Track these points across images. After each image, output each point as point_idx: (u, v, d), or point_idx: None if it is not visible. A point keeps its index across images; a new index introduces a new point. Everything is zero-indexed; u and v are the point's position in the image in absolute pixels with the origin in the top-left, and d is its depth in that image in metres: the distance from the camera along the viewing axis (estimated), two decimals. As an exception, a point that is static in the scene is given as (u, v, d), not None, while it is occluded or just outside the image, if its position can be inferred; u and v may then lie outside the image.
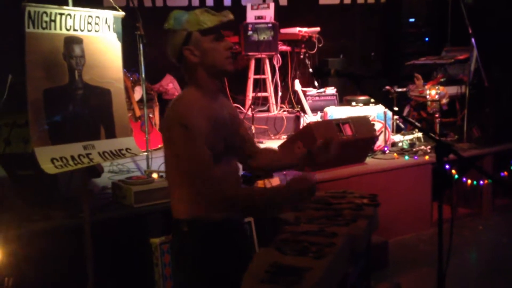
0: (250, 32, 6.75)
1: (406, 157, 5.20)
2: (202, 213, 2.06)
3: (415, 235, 5.03)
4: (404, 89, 6.12)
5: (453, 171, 5.23)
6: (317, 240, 2.16)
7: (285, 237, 2.20)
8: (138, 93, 6.09)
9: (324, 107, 5.98)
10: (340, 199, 2.76)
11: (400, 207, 4.89)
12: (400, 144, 5.61)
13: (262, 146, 6.04)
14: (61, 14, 3.02)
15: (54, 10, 2.98)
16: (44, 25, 2.94)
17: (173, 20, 2.09)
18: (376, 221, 2.66)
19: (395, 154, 5.28)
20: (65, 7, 3.08)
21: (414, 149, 5.43)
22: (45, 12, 2.94)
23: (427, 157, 5.22)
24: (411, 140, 5.64)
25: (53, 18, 2.98)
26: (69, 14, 3.06)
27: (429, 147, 5.44)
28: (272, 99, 6.95)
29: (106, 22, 3.27)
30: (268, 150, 2.56)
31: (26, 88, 2.91)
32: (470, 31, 5.42)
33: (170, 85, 7.16)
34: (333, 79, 6.87)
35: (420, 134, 5.72)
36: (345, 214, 2.52)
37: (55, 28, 3.01)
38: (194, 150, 1.99)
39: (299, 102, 6.95)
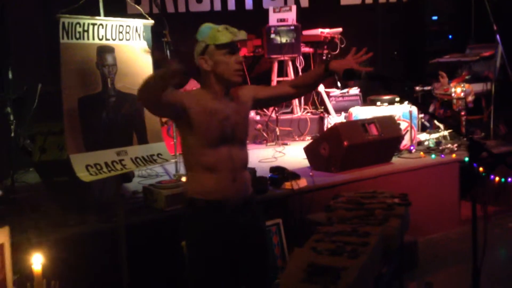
0: (272, 35, 6.79)
1: (433, 156, 5.18)
2: (199, 191, 2.44)
3: (444, 234, 5.00)
4: (429, 88, 6.10)
5: (481, 169, 5.19)
6: (351, 240, 2.20)
7: (319, 237, 2.24)
8: (164, 98, 6.18)
9: (348, 107, 5.99)
10: (371, 199, 2.79)
11: (428, 206, 4.87)
12: (426, 143, 5.60)
13: (286, 147, 6.14)
14: (94, 24, 3.11)
15: (87, 20, 3.07)
16: (77, 35, 3.03)
17: (199, 33, 2.46)
18: (407, 220, 2.69)
19: (421, 153, 5.27)
20: (97, 17, 3.17)
21: (441, 148, 5.41)
22: (78, 23, 3.03)
23: (454, 155, 5.19)
24: (437, 138, 5.63)
25: (86, 28, 3.07)
26: (101, 24, 3.15)
27: (455, 145, 5.42)
28: (295, 101, 6.98)
29: (136, 31, 3.35)
30: (297, 81, 2.85)
31: (61, 97, 3.00)
32: (495, 28, 5.38)
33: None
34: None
35: (446, 133, 5.70)
36: (376, 214, 2.55)
37: (88, 38, 3.10)
38: None
39: (322, 103, 6.98)
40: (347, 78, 2.36)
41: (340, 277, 1.84)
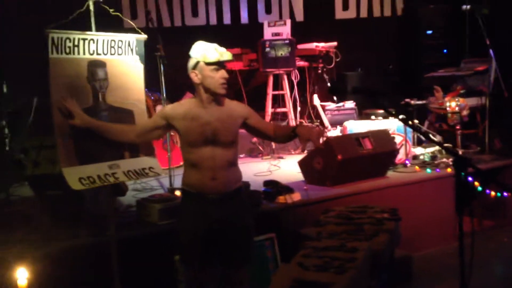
0: (267, 49, 6.82)
1: (428, 170, 5.18)
2: (186, 184, 2.98)
3: (440, 249, 4.98)
4: (424, 102, 6.12)
5: (476, 183, 5.19)
6: (338, 255, 2.19)
7: (306, 252, 2.23)
8: (159, 112, 6.19)
9: (344, 121, 6.00)
10: (361, 214, 2.79)
11: (423, 220, 4.85)
12: (421, 157, 5.60)
13: (282, 161, 6.13)
14: (84, 39, 3.10)
15: (77, 35, 3.06)
16: (67, 50, 3.02)
17: (192, 50, 2.91)
18: (397, 235, 2.68)
19: (416, 167, 5.26)
20: (87, 32, 3.17)
21: (436, 162, 5.41)
22: (68, 38, 3.02)
23: (449, 170, 5.18)
24: (433, 152, 5.62)
25: (76, 43, 3.06)
26: (92, 39, 3.14)
27: (451, 159, 5.41)
28: (291, 115, 7.00)
29: (129, 45, 3.34)
30: (276, 129, 3.18)
31: (52, 111, 2.99)
32: (488, 42, 5.41)
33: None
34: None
35: (441, 147, 5.70)
36: (365, 229, 2.54)
37: (78, 53, 3.09)
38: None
39: (318, 116, 6.99)
40: (334, 93, 2.38)
41: (325, 293, 1.84)
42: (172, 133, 6.25)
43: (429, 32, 7.84)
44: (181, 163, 6.03)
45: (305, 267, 2.07)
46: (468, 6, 5.62)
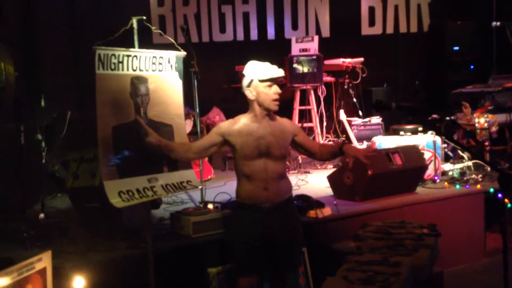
0: (295, 65, 6.90)
1: (458, 186, 5.16)
2: (240, 196, 3.13)
3: (469, 265, 4.95)
4: (452, 117, 6.11)
5: (506, 200, 5.14)
6: (381, 270, 2.22)
7: (350, 266, 2.26)
8: (188, 126, 6.28)
9: (370, 136, 6.02)
10: (399, 228, 2.80)
11: (452, 237, 4.82)
12: (450, 173, 5.58)
13: (309, 175, 6.16)
14: (128, 56, 3.20)
15: (122, 52, 3.17)
16: (112, 66, 3.13)
17: (245, 69, 3.11)
18: (436, 251, 2.70)
19: (446, 183, 5.25)
20: (131, 49, 3.27)
21: (465, 178, 5.39)
22: (114, 55, 3.13)
23: (478, 186, 5.16)
24: (462, 169, 5.60)
25: (121, 60, 3.16)
26: (136, 56, 3.24)
27: (480, 175, 5.39)
28: (317, 129, 7.05)
29: (169, 62, 3.44)
30: (321, 148, 3.34)
31: (96, 125, 3.08)
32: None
33: (217, 117, 7.34)
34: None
35: (470, 163, 5.68)
36: (406, 244, 2.56)
37: (122, 69, 3.19)
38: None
39: (344, 131, 7.03)
40: (377, 110, 2.43)
41: (374, 306, 1.87)
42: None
43: (456, 48, 7.85)
44: (209, 176, 6.19)
45: (350, 280, 2.10)
46: (498, 23, 5.63)
